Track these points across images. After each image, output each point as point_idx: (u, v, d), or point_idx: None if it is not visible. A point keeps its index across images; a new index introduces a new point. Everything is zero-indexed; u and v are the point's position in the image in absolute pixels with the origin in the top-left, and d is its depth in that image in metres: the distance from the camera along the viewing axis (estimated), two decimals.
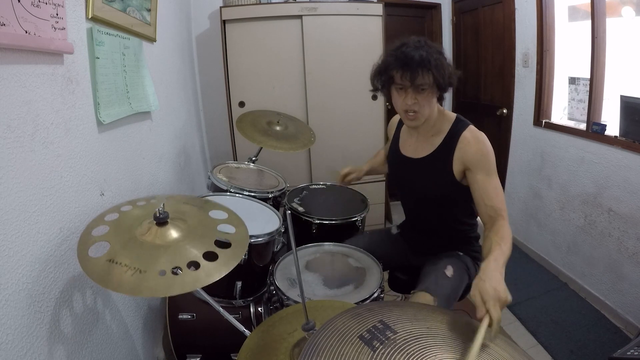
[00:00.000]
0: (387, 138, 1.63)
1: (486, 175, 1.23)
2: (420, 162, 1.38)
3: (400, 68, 1.19)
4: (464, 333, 0.74)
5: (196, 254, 0.94)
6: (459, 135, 1.29)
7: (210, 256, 0.94)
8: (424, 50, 1.17)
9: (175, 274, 0.88)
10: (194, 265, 0.91)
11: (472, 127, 1.30)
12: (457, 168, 1.29)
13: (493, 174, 1.24)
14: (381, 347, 0.66)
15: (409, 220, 1.62)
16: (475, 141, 1.26)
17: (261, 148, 2.29)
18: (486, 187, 1.22)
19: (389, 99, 1.34)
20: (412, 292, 1.33)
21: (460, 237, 1.47)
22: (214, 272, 0.91)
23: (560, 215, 2.57)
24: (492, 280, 0.90)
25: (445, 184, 1.32)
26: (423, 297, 1.24)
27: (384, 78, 1.27)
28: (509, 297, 0.88)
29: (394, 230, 1.69)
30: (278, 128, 2.34)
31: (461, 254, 1.45)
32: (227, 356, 1.48)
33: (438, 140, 1.34)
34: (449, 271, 1.30)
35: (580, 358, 1.90)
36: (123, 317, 1.47)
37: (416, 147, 1.40)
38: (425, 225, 1.52)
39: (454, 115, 1.35)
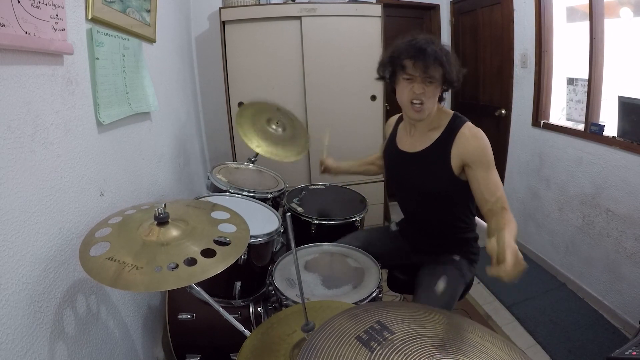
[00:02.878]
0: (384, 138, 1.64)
1: (485, 171, 1.25)
2: (416, 156, 1.39)
3: (413, 57, 1.22)
4: (462, 333, 0.75)
5: (194, 251, 0.94)
6: (456, 131, 1.30)
7: (208, 253, 0.95)
8: (436, 46, 1.21)
9: (172, 269, 0.88)
10: (191, 261, 0.91)
11: (469, 124, 1.32)
12: (455, 163, 1.30)
13: (492, 168, 1.25)
14: (379, 347, 0.66)
15: (407, 218, 1.62)
16: (473, 137, 1.27)
17: None
18: (487, 182, 1.24)
19: (393, 89, 1.35)
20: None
21: (459, 237, 1.48)
22: (210, 268, 0.91)
23: (559, 216, 2.57)
24: (512, 241, 0.94)
25: (443, 178, 1.33)
26: None
27: (393, 66, 1.29)
28: (524, 262, 0.90)
29: (393, 227, 1.69)
30: (275, 128, 2.31)
31: (457, 258, 1.45)
32: (226, 356, 1.49)
33: (435, 135, 1.35)
34: (440, 286, 1.30)
35: (579, 358, 1.91)
36: (123, 317, 1.47)
37: (413, 142, 1.42)
38: (424, 224, 1.52)
39: (451, 112, 1.37)
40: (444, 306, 1.30)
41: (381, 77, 1.36)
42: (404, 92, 1.29)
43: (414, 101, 1.27)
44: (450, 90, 1.33)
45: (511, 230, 1.05)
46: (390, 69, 1.31)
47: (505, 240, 0.91)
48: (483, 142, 1.26)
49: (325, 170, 1.85)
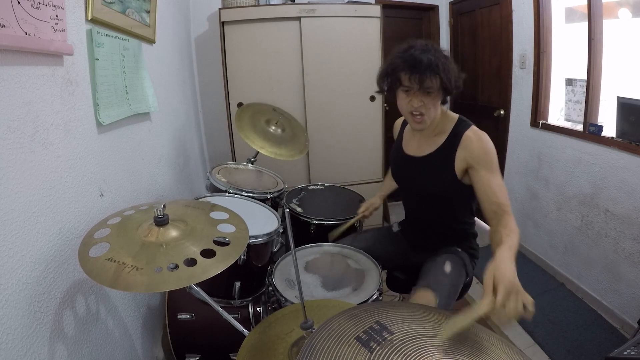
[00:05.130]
0: (386, 138, 1.65)
1: (489, 173, 1.25)
2: (422, 160, 1.40)
3: (408, 70, 1.21)
4: (461, 333, 0.75)
5: (194, 251, 0.94)
6: (461, 135, 1.30)
7: (208, 253, 0.95)
8: (432, 54, 1.19)
9: (172, 270, 0.88)
10: (191, 262, 0.92)
11: (474, 127, 1.32)
12: (459, 166, 1.31)
13: (496, 171, 1.26)
14: (378, 348, 0.66)
15: (410, 218, 1.63)
16: (477, 140, 1.28)
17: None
18: (490, 184, 1.24)
19: (394, 101, 1.36)
20: (413, 288, 1.35)
21: (459, 234, 1.49)
22: (210, 268, 0.91)
23: (557, 216, 2.58)
24: (508, 269, 0.88)
25: (447, 181, 1.34)
26: (424, 293, 1.25)
27: (390, 80, 1.29)
28: (528, 296, 0.84)
29: (396, 228, 1.70)
30: (275, 129, 2.33)
31: (459, 250, 1.47)
32: (226, 356, 1.49)
33: (441, 139, 1.35)
34: (447, 267, 1.31)
35: (577, 358, 1.91)
36: (122, 317, 1.47)
37: (419, 146, 1.42)
38: (426, 223, 1.53)
39: (456, 115, 1.37)
40: (451, 288, 1.30)
41: (381, 90, 1.36)
42: (403, 104, 1.30)
43: (414, 112, 1.28)
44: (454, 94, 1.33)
45: (511, 245, 1.01)
46: (387, 82, 1.31)
47: (503, 276, 0.85)
48: (488, 145, 1.26)
49: (375, 209, 1.84)
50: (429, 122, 1.30)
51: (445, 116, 1.37)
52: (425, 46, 1.22)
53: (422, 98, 1.24)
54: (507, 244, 1.02)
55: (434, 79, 1.20)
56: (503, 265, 0.89)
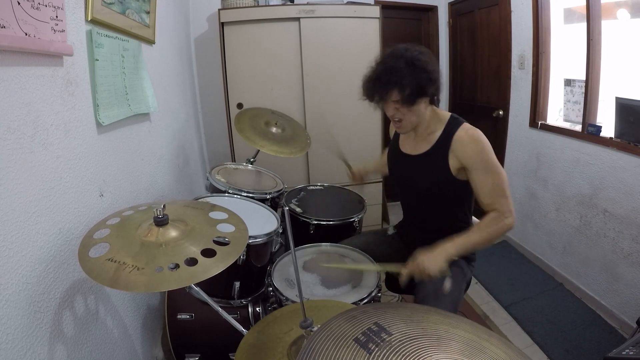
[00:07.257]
0: (385, 138, 1.67)
1: (484, 174, 1.27)
2: (418, 159, 1.42)
3: (369, 90, 1.31)
4: (460, 334, 0.75)
5: (194, 251, 0.94)
6: (453, 134, 1.32)
7: (208, 253, 0.95)
8: (391, 65, 1.23)
9: (172, 270, 0.89)
10: (192, 261, 0.92)
11: (465, 125, 1.33)
12: (453, 165, 1.32)
13: (491, 168, 1.27)
14: (377, 349, 0.66)
15: (407, 218, 1.63)
16: (469, 141, 1.29)
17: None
18: (484, 185, 1.28)
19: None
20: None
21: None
22: (211, 267, 0.92)
23: (556, 216, 2.58)
24: (431, 257, 1.21)
25: (442, 179, 1.35)
26: None
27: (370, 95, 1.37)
28: (432, 272, 1.19)
29: (391, 231, 1.71)
30: (275, 130, 2.34)
31: (456, 257, 1.46)
32: (225, 356, 1.49)
33: (434, 138, 1.37)
34: (447, 285, 1.32)
35: (576, 358, 1.92)
36: (122, 317, 1.47)
37: (415, 144, 1.45)
38: (423, 223, 1.54)
39: (448, 114, 1.39)
40: (452, 304, 1.32)
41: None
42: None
43: (393, 119, 1.34)
44: (436, 93, 1.34)
45: (461, 241, 1.25)
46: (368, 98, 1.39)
47: (427, 261, 1.20)
48: (480, 145, 1.27)
49: (355, 177, 1.89)
50: (410, 126, 1.35)
51: (436, 116, 1.38)
52: (391, 55, 1.26)
53: (393, 106, 1.30)
54: (458, 238, 1.26)
55: (393, 92, 1.25)
56: (432, 260, 1.21)
